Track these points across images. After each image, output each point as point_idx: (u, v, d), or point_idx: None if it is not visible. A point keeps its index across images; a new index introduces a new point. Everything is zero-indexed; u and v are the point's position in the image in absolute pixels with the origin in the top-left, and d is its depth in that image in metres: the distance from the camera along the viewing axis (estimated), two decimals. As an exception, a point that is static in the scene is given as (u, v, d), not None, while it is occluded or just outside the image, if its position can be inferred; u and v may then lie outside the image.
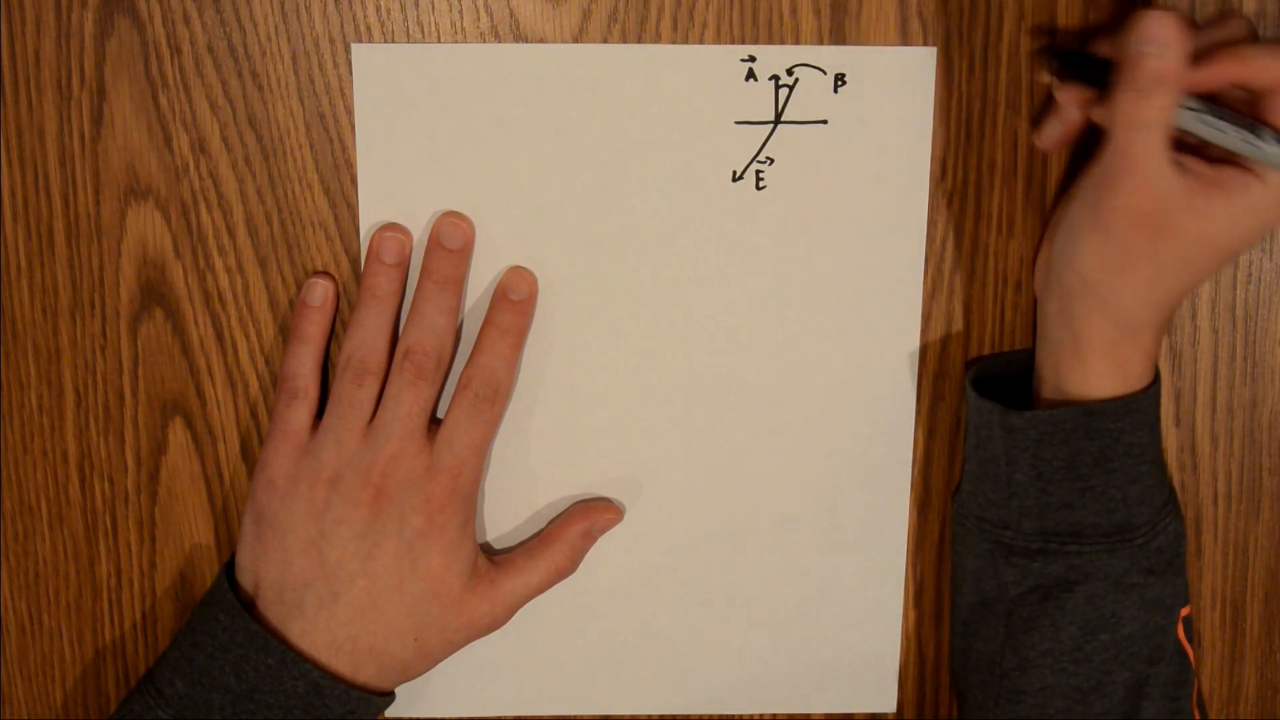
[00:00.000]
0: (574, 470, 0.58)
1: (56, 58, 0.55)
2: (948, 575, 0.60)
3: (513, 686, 0.60)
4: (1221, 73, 0.48)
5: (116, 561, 0.59)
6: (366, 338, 0.54)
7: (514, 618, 0.58)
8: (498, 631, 0.58)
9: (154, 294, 0.57)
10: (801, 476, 0.58)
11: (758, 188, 0.56)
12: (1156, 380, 0.53)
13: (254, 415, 0.58)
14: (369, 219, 0.56)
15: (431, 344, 0.54)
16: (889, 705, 0.61)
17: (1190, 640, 0.54)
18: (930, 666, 0.61)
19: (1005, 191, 0.57)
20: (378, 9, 0.54)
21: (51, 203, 0.56)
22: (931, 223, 0.57)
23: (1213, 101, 0.49)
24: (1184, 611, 0.54)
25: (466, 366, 0.55)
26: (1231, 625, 0.61)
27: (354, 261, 0.56)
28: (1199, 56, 0.48)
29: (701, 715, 0.61)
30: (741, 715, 0.61)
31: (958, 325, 0.58)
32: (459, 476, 0.54)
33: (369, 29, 0.55)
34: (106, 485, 0.59)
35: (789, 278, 0.57)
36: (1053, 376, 0.53)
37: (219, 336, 0.57)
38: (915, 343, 0.58)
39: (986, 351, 0.58)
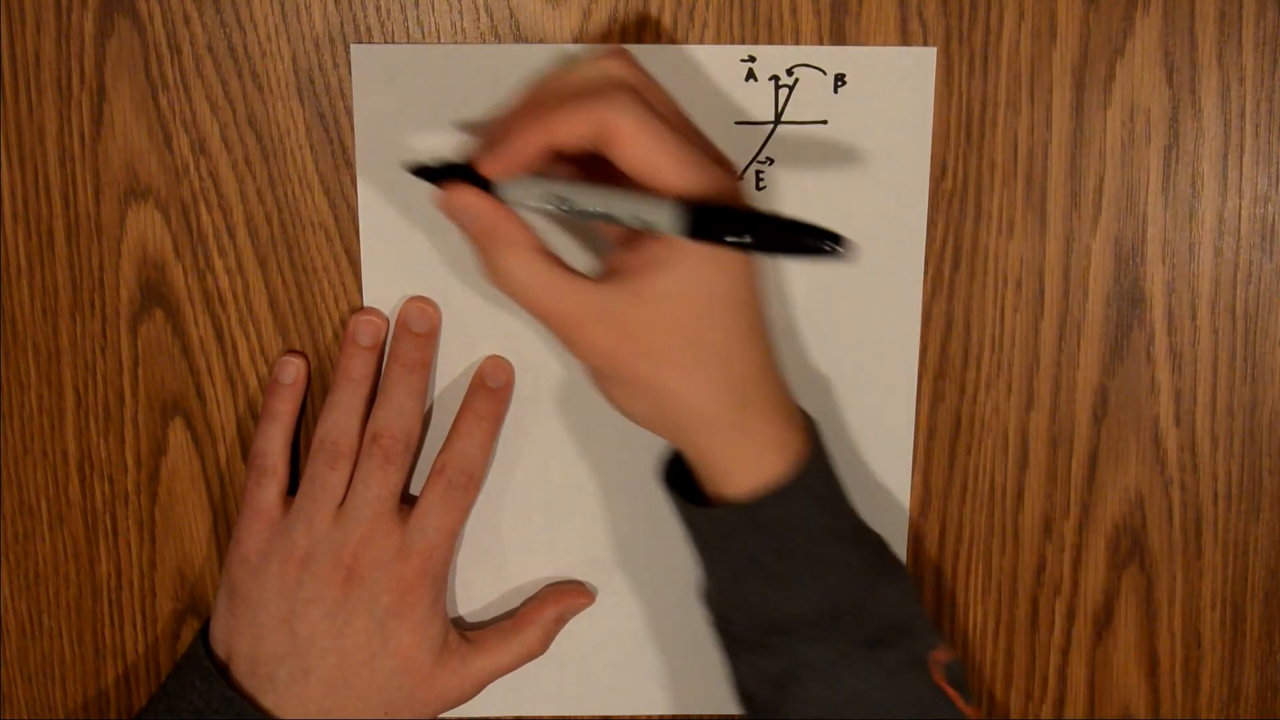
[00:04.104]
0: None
1: (56, 58, 0.55)
2: (948, 575, 0.60)
3: (513, 686, 0.60)
4: (534, 153, 0.46)
5: (116, 561, 0.59)
6: (340, 420, 0.55)
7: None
8: (498, 632, 0.58)
9: (154, 294, 0.57)
10: (801, 476, 0.58)
11: (758, 188, 0.56)
12: (809, 447, 0.50)
13: (254, 415, 0.58)
14: (369, 219, 0.56)
15: (399, 427, 0.54)
16: (889, 705, 0.61)
17: (956, 682, 0.52)
18: (930, 666, 0.61)
19: (1005, 191, 0.57)
20: (378, 9, 0.54)
21: (51, 203, 0.56)
22: (931, 223, 0.57)
23: (592, 183, 0.46)
24: (941, 658, 0.52)
25: (442, 451, 0.56)
26: (1231, 625, 0.61)
27: (354, 261, 0.56)
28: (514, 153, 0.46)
29: (702, 715, 0.61)
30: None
31: (958, 325, 0.58)
32: (430, 559, 0.54)
33: (369, 29, 0.55)
34: (106, 485, 0.58)
35: (788, 278, 0.57)
36: (708, 479, 0.51)
37: (219, 336, 0.57)
38: (915, 343, 0.58)
39: (986, 352, 0.58)
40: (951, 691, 0.52)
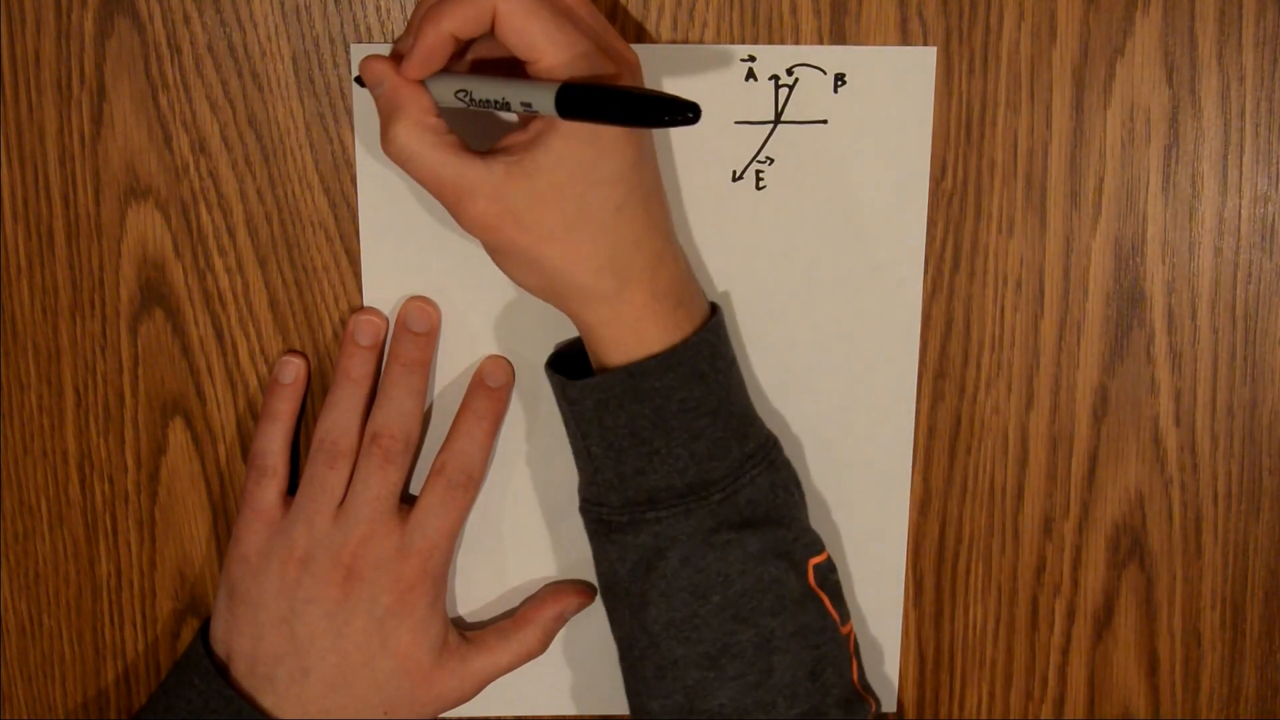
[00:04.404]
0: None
1: (56, 58, 0.55)
2: (948, 575, 0.60)
3: (513, 686, 0.60)
4: (437, 47, 0.48)
5: (116, 561, 0.59)
6: (340, 419, 0.55)
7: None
8: (498, 632, 0.58)
9: (154, 294, 0.57)
10: (802, 476, 0.58)
11: (758, 188, 0.56)
12: (701, 328, 0.51)
13: (254, 415, 0.58)
14: (369, 219, 0.56)
15: (399, 427, 0.54)
16: (889, 705, 0.61)
17: (827, 586, 0.53)
18: (930, 666, 0.61)
19: (1005, 191, 0.57)
20: (378, 9, 0.54)
21: (51, 203, 0.56)
22: (931, 223, 0.57)
23: (484, 70, 0.49)
24: (815, 560, 0.53)
25: (441, 451, 0.56)
26: (1231, 625, 0.61)
27: (354, 261, 0.56)
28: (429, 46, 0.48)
29: (701, 715, 0.61)
30: (741, 715, 0.61)
31: (958, 325, 0.58)
32: (430, 559, 0.54)
33: (369, 29, 0.55)
34: (106, 485, 0.58)
35: (789, 278, 0.57)
36: (593, 350, 0.52)
37: (219, 336, 0.57)
38: (915, 343, 0.58)
39: (986, 352, 0.58)
40: (820, 592, 0.53)
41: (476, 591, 0.59)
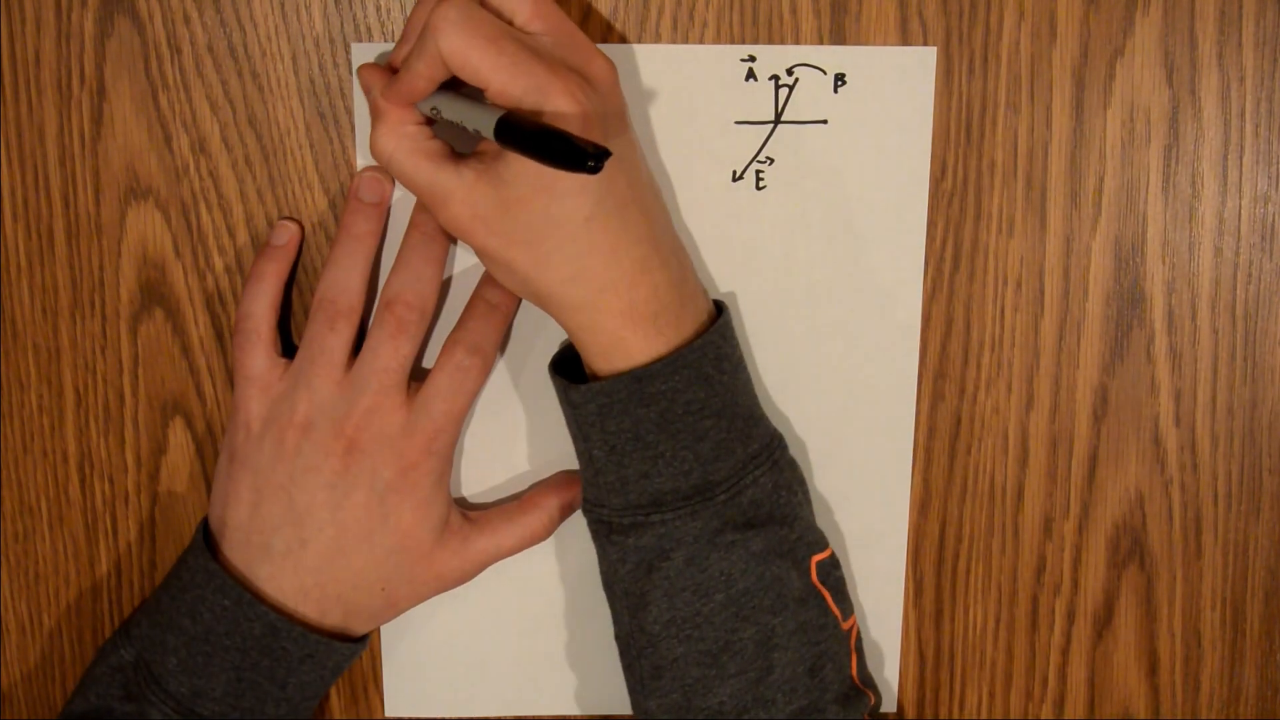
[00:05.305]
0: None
1: (56, 58, 0.55)
2: (948, 575, 0.60)
3: (512, 686, 0.60)
4: (419, 92, 0.49)
5: (116, 561, 0.59)
6: (339, 278, 0.54)
7: (514, 618, 0.59)
8: (497, 631, 0.58)
9: (154, 294, 0.57)
10: (801, 476, 0.58)
11: (758, 188, 0.56)
12: (705, 330, 0.52)
13: (254, 415, 0.58)
14: (369, 219, 0.56)
15: (414, 295, 0.53)
16: (889, 705, 0.61)
17: (829, 583, 0.54)
18: (930, 666, 0.61)
19: (1005, 191, 0.57)
20: (378, 9, 0.54)
21: (51, 203, 0.56)
22: (931, 223, 0.57)
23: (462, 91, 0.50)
24: (818, 557, 0.53)
25: (454, 331, 0.54)
26: (1231, 625, 0.61)
27: (354, 261, 0.56)
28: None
29: (701, 715, 0.61)
30: (741, 715, 0.61)
31: (958, 325, 0.58)
32: (435, 440, 0.53)
33: (369, 29, 0.55)
34: (106, 485, 0.59)
35: (789, 278, 0.57)
36: (580, 352, 0.52)
37: (219, 336, 0.57)
38: (915, 343, 0.58)
39: (986, 352, 0.58)
40: (822, 589, 0.53)
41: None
